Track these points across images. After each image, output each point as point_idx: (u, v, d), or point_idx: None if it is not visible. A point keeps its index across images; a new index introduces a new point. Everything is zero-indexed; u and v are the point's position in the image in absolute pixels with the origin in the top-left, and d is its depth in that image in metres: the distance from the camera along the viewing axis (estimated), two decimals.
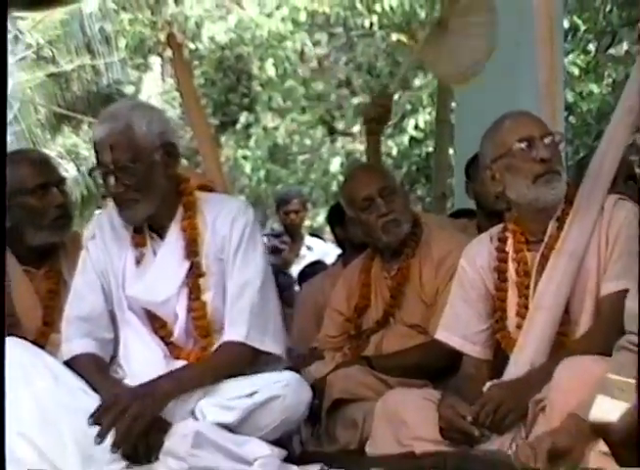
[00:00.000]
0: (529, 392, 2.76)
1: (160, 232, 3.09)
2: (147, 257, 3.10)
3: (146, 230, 3.09)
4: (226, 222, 3.05)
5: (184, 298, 3.05)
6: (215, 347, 3.02)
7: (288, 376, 3.01)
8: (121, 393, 2.88)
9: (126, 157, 2.98)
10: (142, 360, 3.03)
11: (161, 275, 3.06)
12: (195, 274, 3.05)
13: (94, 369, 3.03)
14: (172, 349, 3.06)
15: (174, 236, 3.07)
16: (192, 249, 3.05)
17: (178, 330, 3.05)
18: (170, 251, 3.07)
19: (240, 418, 2.92)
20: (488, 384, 3.00)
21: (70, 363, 3.04)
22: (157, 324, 3.08)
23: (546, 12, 4.40)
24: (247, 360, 3.02)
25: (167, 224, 3.08)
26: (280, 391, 2.95)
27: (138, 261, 3.09)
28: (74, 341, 3.09)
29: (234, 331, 3.01)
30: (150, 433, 2.87)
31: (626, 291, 2.70)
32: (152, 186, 3.01)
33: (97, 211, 8.25)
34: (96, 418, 2.79)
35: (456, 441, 2.94)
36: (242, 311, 3.01)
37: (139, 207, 3.01)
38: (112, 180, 3.00)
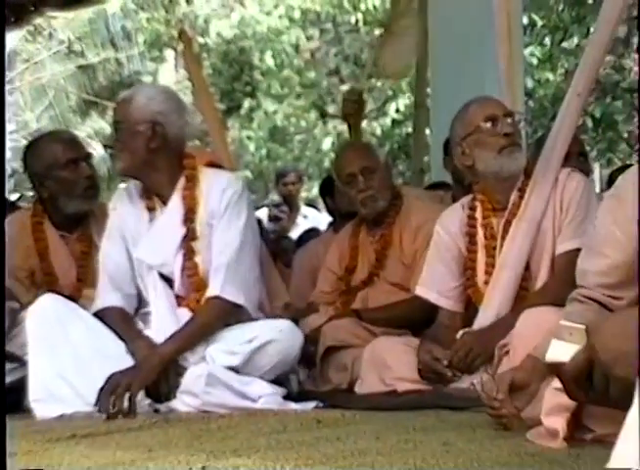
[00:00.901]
0: (495, 338, 2.77)
1: (164, 200, 3.08)
2: (152, 221, 3.10)
3: (153, 197, 3.09)
4: (217, 193, 3.04)
5: (180, 259, 3.05)
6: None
7: (282, 323, 3.02)
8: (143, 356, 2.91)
9: (117, 119, 3.09)
10: (155, 308, 3.03)
11: (161, 240, 3.06)
12: (189, 238, 3.04)
13: (120, 320, 3.04)
14: (176, 299, 3.06)
15: (175, 204, 3.05)
16: (189, 216, 3.04)
17: (177, 285, 3.06)
18: (170, 216, 3.06)
19: (243, 361, 2.93)
20: (461, 332, 3.01)
21: (100, 314, 3.06)
22: (165, 279, 3.08)
23: (505, 10, 4.40)
24: (225, 312, 3.00)
25: (170, 193, 3.06)
26: (275, 335, 2.96)
27: (147, 225, 3.09)
28: (104, 295, 3.09)
29: (212, 286, 3.00)
30: (169, 376, 2.90)
31: (578, 250, 2.71)
32: (129, 149, 3.03)
33: (121, 185, 8.21)
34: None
35: (432, 380, 2.97)
36: (219, 269, 2.99)
37: (116, 163, 3.11)
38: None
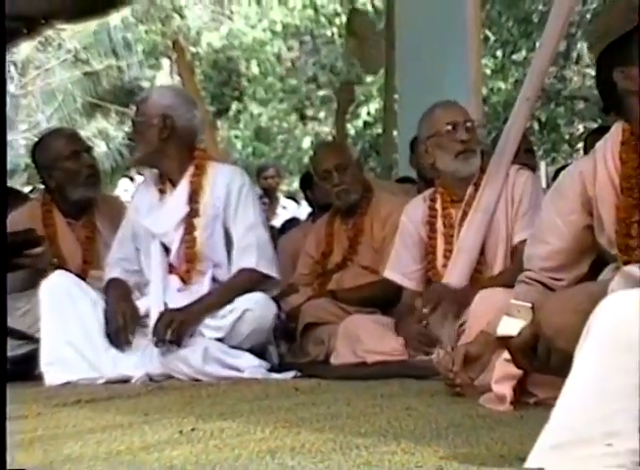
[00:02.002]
0: (455, 294, 2.82)
1: (175, 183, 3.14)
2: (161, 200, 3.16)
3: (166, 181, 3.15)
4: (223, 182, 3.10)
5: (180, 232, 3.08)
6: (233, 273, 3.05)
7: (257, 295, 3.02)
8: (170, 311, 2.95)
9: (136, 116, 3.19)
10: (152, 273, 3.08)
11: (166, 214, 3.11)
12: (191, 216, 3.08)
13: (116, 286, 3.09)
14: (170, 267, 3.10)
15: (183, 186, 3.11)
16: (193, 197, 3.09)
17: (173, 255, 3.09)
18: (177, 196, 3.12)
19: (226, 332, 2.95)
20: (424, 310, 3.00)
21: (106, 285, 3.12)
22: (163, 248, 3.11)
23: (476, 29, 4.44)
24: (257, 282, 3.05)
25: (180, 178, 3.12)
26: (251, 306, 2.97)
27: (157, 203, 3.16)
28: (109, 270, 3.17)
29: (246, 260, 3.04)
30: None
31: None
32: (144, 141, 3.11)
33: (122, 179, 8.15)
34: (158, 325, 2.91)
35: (419, 350, 2.92)
36: (250, 246, 3.05)
37: (134, 152, 3.23)
38: None
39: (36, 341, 3.00)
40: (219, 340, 2.95)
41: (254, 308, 2.98)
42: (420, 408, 2.07)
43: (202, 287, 3.05)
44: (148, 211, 3.16)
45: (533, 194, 2.95)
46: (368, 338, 3.03)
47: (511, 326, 1.79)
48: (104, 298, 3.07)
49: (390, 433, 1.77)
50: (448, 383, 2.27)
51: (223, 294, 3.01)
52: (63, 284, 3.02)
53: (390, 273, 3.15)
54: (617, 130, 2.14)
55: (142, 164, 3.34)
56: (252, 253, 3.04)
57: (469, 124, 2.97)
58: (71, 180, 3.37)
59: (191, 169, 3.12)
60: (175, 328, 2.89)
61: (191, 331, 2.94)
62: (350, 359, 3.04)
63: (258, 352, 3.01)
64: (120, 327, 2.97)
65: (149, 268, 3.11)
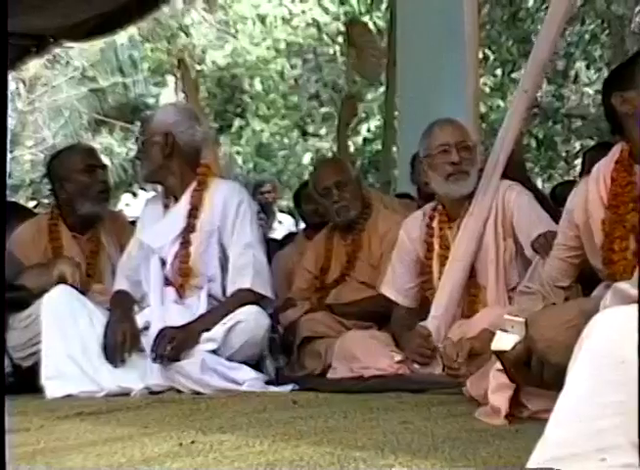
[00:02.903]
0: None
1: (178, 199, 3.16)
2: (163, 214, 3.19)
3: (171, 197, 3.18)
4: (221, 198, 3.11)
5: (176, 246, 3.09)
6: (229, 293, 3.07)
7: (250, 308, 3.03)
8: (170, 328, 2.96)
9: (141, 133, 3.24)
10: (151, 286, 3.10)
11: (165, 228, 3.13)
12: (188, 231, 3.10)
13: (120, 300, 3.12)
14: (166, 280, 3.12)
15: (184, 201, 3.14)
16: (192, 212, 3.11)
17: (168, 268, 3.11)
18: (177, 211, 3.14)
19: (219, 343, 2.95)
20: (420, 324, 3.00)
21: (114, 295, 3.15)
22: (160, 263, 3.13)
23: (474, 48, 4.46)
24: (252, 302, 3.04)
25: (182, 193, 3.14)
26: (244, 317, 2.98)
27: (159, 217, 3.19)
28: (119, 279, 3.20)
29: (242, 280, 3.05)
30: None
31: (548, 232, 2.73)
32: (149, 157, 3.16)
33: (124, 195, 8.16)
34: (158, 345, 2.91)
35: (421, 363, 2.91)
36: (246, 265, 3.06)
37: (141, 171, 3.28)
38: None
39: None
40: (214, 352, 2.94)
41: (247, 320, 2.99)
42: (417, 422, 2.06)
43: (197, 301, 3.06)
44: (150, 225, 3.18)
45: (529, 206, 2.91)
46: (364, 355, 3.02)
47: (505, 341, 1.79)
48: (108, 308, 3.08)
49: (387, 446, 1.76)
50: (450, 373, 2.29)
51: (221, 314, 3.01)
52: (63, 298, 3.01)
53: (386, 289, 3.15)
54: (616, 150, 2.21)
55: (148, 181, 3.41)
56: (249, 273, 3.05)
57: (464, 145, 2.94)
58: (83, 194, 3.39)
59: (193, 185, 3.14)
60: (175, 346, 2.89)
61: (189, 349, 2.93)
62: (347, 374, 3.04)
63: (253, 365, 3.01)
64: (118, 346, 2.97)
65: (147, 282, 3.12)
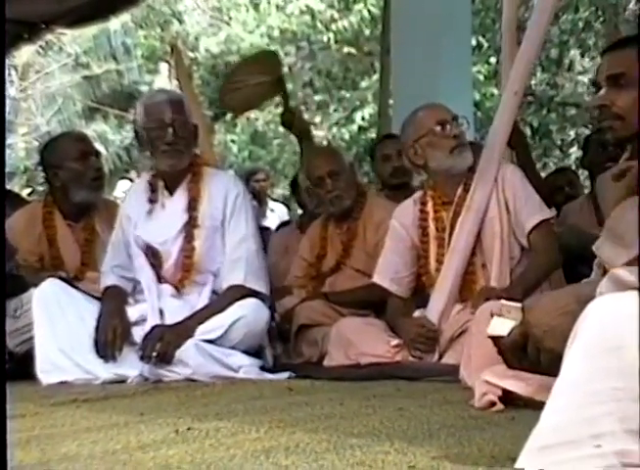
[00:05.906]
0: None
1: (172, 191, 3.12)
2: (157, 208, 3.13)
3: (160, 188, 3.13)
4: (220, 191, 3.08)
5: (179, 241, 3.07)
6: (222, 290, 3.05)
7: (250, 301, 3.02)
8: (160, 327, 2.94)
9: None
10: (144, 282, 3.08)
11: (165, 222, 3.10)
12: (191, 225, 3.07)
13: (111, 295, 3.08)
14: (160, 276, 3.09)
15: (181, 194, 3.10)
16: (192, 206, 3.08)
17: (168, 264, 3.08)
18: (175, 205, 3.10)
19: (220, 335, 2.94)
20: (417, 312, 3.01)
21: (104, 291, 3.11)
22: (153, 258, 3.10)
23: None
24: (245, 297, 3.02)
25: (178, 185, 3.11)
26: (244, 312, 2.98)
27: (150, 212, 3.13)
28: (106, 276, 3.15)
29: (234, 276, 3.04)
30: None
31: (544, 221, 2.83)
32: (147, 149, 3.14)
33: (121, 181, 8.14)
34: (146, 343, 2.89)
35: (422, 351, 2.92)
36: (239, 261, 3.04)
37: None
38: None
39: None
40: (212, 342, 2.94)
41: (247, 313, 2.98)
42: (412, 409, 2.07)
43: (199, 298, 3.05)
44: (142, 219, 3.12)
45: (522, 183, 2.94)
46: (360, 341, 3.02)
47: (501, 326, 1.80)
48: (99, 304, 3.05)
49: (383, 433, 1.77)
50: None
51: (214, 311, 2.99)
52: (52, 292, 3.00)
53: (379, 278, 3.14)
54: None
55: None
56: (241, 268, 3.04)
57: (457, 121, 2.98)
58: (77, 181, 3.38)
59: (189, 176, 3.11)
60: (163, 346, 2.87)
61: (179, 348, 2.90)
62: (343, 361, 3.04)
63: (253, 353, 3.01)
64: (109, 342, 2.95)
65: (141, 277, 3.10)
